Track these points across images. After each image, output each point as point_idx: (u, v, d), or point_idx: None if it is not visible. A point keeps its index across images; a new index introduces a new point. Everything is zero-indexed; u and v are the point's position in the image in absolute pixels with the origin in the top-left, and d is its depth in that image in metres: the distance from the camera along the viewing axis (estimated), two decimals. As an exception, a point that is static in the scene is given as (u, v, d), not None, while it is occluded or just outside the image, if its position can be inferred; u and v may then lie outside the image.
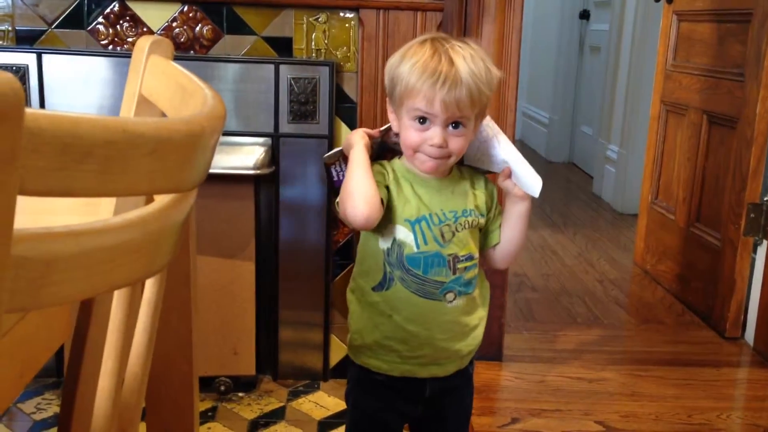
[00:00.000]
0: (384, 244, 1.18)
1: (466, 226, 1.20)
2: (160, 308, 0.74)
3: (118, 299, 0.69)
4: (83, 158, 0.43)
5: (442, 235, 1.18)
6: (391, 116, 1.21)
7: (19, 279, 0.43)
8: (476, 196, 1.23)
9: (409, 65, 1.13)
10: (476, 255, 1.22)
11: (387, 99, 1.21)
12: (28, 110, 0.39)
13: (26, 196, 0.41)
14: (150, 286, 0.72)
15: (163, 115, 0.78)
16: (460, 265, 1.20)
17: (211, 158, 0.60)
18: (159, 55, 0.81)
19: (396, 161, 1.22)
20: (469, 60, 1.12)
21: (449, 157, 1.16)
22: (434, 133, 1.13)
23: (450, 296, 1.19)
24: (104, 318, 0.71)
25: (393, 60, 1.18)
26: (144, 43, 0.82)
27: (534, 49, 5.61)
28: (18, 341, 0.72)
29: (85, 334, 0.75)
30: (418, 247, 1.17)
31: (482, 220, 1.23)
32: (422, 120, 1.13)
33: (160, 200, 0.58)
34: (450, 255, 1.18)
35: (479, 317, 1.26)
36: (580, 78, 5.02)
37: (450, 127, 1.13)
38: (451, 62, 1.12)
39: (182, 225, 0.62)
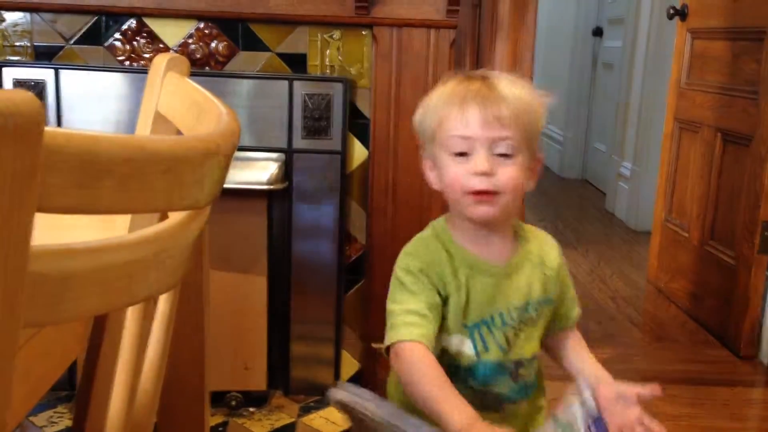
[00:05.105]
0: (434, 352, 0.95)
1: (536, 319, 1.03)
2: (173, 323, 0.74)
3: (132, 314, 0.70)
4: (102, 176, 0.43)
5: (507, 340, 1.00)
6: (430, 175, 1.01)
7: (36, 295, 0.43)
8: (547, 277, 1.05)
9: (435, 97, 0.99)
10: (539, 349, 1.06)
11: (421, 155, 1.03)
12: (46, 129, 0.39)
13: (44, 213, 0.41)
14: (163, 300, 0.73)
15: (179, 131, 0.78)
16: (522, 371, 1.03)
17: (225, 175, 0.60)
18: (175, 72, 0.82)
19: (448, 235, 1.01)
20: (505, 78, 0.97)
21: (498, 193, 0.95)
22: (477, 159, 0.94)
23: (509, 408, 1.03)
24: (118, 332, 0.72)
25: (418, 110, 1.02)
26: (161, 60, 0.83)
27: (547, 65, 5.61)
28: (33, 355, 0.72)
29: (98, 348, 0.76)
30: (478, 356, 0.99)
31: (553, 306, 1.06)
32: (462, 153, 0.95)
33: (175, 217, 0.58)
34: (513, 361, 1.01)
35: (540, 407, 1.10)
36: (594, 95, 5.02)
37: (496, 156, 0.94)
38: (484, 79, 0.97)
39: (196, 241, 0.63)
